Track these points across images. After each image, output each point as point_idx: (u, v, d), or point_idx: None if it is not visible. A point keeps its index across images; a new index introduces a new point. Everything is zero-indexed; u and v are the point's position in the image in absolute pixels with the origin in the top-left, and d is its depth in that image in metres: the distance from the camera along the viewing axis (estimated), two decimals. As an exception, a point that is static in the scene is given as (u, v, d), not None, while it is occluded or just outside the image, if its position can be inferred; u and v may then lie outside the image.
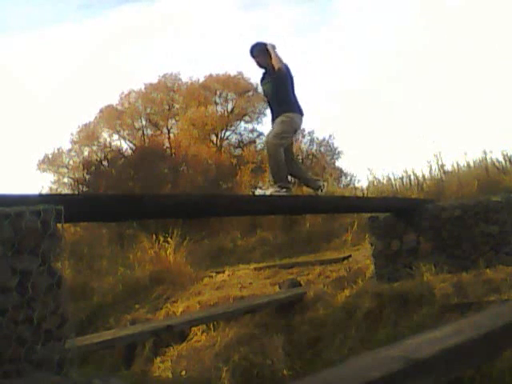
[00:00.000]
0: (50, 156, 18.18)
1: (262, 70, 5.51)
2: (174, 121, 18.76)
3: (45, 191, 14.94)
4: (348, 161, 25.30)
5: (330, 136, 18.83)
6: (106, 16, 28.45)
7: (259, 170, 15.95)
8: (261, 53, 5.38)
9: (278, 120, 5.31)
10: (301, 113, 5.45)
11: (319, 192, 5.60)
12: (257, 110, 18.68)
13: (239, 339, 5.85)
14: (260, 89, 18.44)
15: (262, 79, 5.55)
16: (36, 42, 27.99)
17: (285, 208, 5.43)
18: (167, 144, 17.42)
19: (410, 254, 6.19)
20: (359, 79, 27.94)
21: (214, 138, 18.18)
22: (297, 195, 6.42)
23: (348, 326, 5.38)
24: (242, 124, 18.79)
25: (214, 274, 8.46)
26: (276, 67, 5.24)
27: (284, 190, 5.16)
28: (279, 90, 5.34)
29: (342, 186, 15.49)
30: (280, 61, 5.28)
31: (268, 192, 5.54)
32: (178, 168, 14.42)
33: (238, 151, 18.25)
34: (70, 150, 18.50)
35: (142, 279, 8.38)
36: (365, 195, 10.11)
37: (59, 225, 2.65)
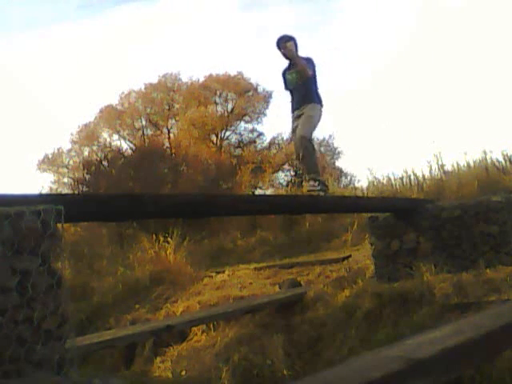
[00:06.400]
0: (50, 156, 18.18)
1: (286, 62, 5.83)
2: (174, 121, 18.76)
3: (45, 191, 14.93)
4: (348, 161, 25.28)
5: (330, 136, 18.85)
6: (105, 16, 28.48)
7: (259, 169, 15.96)
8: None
9: (306, 113, 5.58)
10: (321, 103, 5.73)
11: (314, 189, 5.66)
12: (257, 110, 18.68)
13: (239, 339, 5.85)
14: (260, 89, 18.59)
15: (286, 69, 5.83)
16: (36, 41, 28.01)
17: (285, 208, 5.43)
18: (167, 144, 17.41)
19: (409, 254, 6.19)
20: (359, 79, 27.94)
21: (214, 138, 18.18)
22: (297, 195, 6.43)
23: (348, 326, 5.38)
24: (242, 124, 18.80)
25: (213, 274, 8.46)
26: (299, 65, 5.60)
27: (319, 186, 5.51)
28: (305, 81, 5.64)
29: (342, 185, 15.48)
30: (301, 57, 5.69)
31: (305, 189, 5.84)
32: (178, 168, 14.40)
33: (238, 151, 18.25)
34: (69, 150, 18.51)
35: (142, 279, 8.38)
36: (365, 195, 10.10)
37: (59, 225, 2.64)
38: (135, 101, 18.69)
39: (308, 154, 5.55)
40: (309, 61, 5.68)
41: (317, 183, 5.55)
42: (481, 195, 7.08)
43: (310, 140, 5.64)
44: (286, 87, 5.94)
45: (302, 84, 5.65)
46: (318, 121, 5.73)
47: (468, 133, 21.69)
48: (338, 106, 27.56)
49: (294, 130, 5.79)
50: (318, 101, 5.70)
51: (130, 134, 18.54)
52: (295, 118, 5.72)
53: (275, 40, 5.73)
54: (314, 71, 5.73)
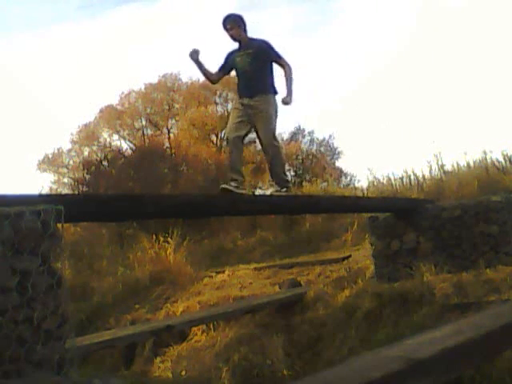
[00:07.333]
0: (50, 156, 18.17)
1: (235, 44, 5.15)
2: (174, 121, 18.75)
3: (45, 191, 14.92)
4: (348, 161, 25.32)
5: (330, 136, 18.83)
6: (106, 16, 28.46)
7: (259, 169, 15.95)
8: (235, 24, 5.07)
9: (264, 111, 4.99)
10: (276, 92, 5.12)
11: (281, 191, 5.10)
12: (257, 110, 18.65)
13: (239, 339, 5.85)
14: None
15: (236, 50, 5.15)
16: (36, 41, 28.00)
17: (285, 208, 5.42)
18: (167, 144, 17.40)
19: (409, 254, 6.19)
20: (359, 79, 27.96)
21: (214, 138, 18.17)
22: (297, 195, 6.42)
23: (348, 326, 5.38)
24: (242, 124, 18.76)
25: (214, 274, 8.46)
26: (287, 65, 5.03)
27: (284, 189, 5.08)
28: (259, 66, 4.97)
29: (342, 185, 15.49)
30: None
31: (268, 192, 5.49)
32: (178, 168, 14.40)
33: (238, 151, 18.21)
34: (69, 150, 18.50)
35: (141, 279, 8.38)
36: (365, 195, 10.11)
37: (59, 225, 2.64)
38: (135, 101, 18.68)
39: (278, 161, 5.10)
40: (266, 43, 5.06)
41: (285, 189, 5.08)
42: (481, 195, 7.08)
43: (277, 143, 5.14)
44: (224, 69, 5.23)
45: (258, 70, 4.96)
46: (277, 113, 5.14)
47: (468, 133, 21.71)
48: (337, 105, 27.60)
49: (240, 122, 5.15)
50: (273, 90, 5.08)
51: (130, 133, 18.53)
52: (245, 107, 5.05)
53: (221, 20, 5.09)
54: (278, 55, 5.06)
